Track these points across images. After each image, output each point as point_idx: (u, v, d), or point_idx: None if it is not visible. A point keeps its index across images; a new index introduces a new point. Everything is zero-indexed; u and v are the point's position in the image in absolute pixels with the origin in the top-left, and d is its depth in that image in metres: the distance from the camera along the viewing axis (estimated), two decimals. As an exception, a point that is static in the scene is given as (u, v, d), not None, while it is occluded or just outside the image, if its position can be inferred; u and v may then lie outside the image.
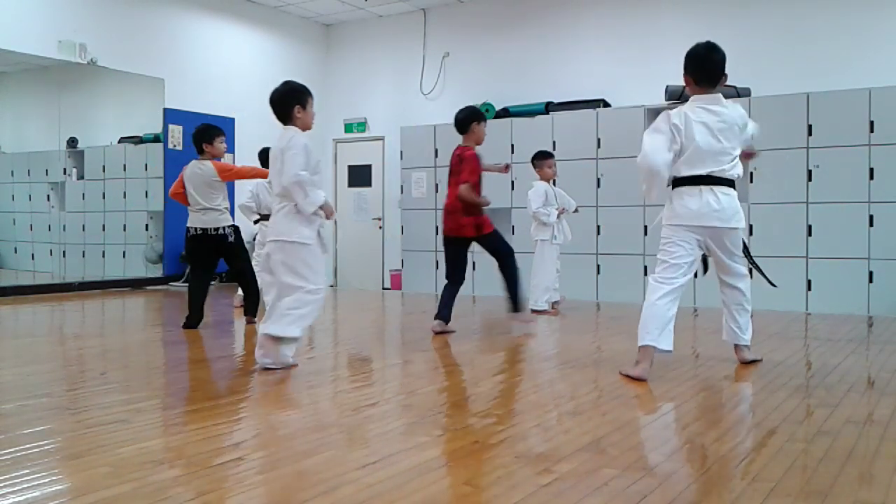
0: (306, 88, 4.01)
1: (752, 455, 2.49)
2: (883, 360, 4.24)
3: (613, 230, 8.06)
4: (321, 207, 3.87)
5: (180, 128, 9.06)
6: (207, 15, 9.60)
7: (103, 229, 9.17)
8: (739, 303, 3.92)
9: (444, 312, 5.19)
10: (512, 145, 8.55)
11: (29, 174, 9.08)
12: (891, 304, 6.74)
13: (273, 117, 4.01)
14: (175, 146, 9.05)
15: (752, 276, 4.00)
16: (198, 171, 5.39)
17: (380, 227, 10.53)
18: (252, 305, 5.74)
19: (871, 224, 6.89)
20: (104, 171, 9.31)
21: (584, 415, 2.99)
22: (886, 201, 6.82)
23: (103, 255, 9.13)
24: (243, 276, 5.71)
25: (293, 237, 3.81)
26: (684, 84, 3.78)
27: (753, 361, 4.05)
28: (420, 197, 9.40)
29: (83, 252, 9.10)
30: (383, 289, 9.98)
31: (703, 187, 3.65)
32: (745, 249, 3.90)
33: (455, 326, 5.34)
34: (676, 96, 7.56)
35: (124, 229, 9.25)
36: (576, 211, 6.68)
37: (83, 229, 9.14)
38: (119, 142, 9.36)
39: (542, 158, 6.44)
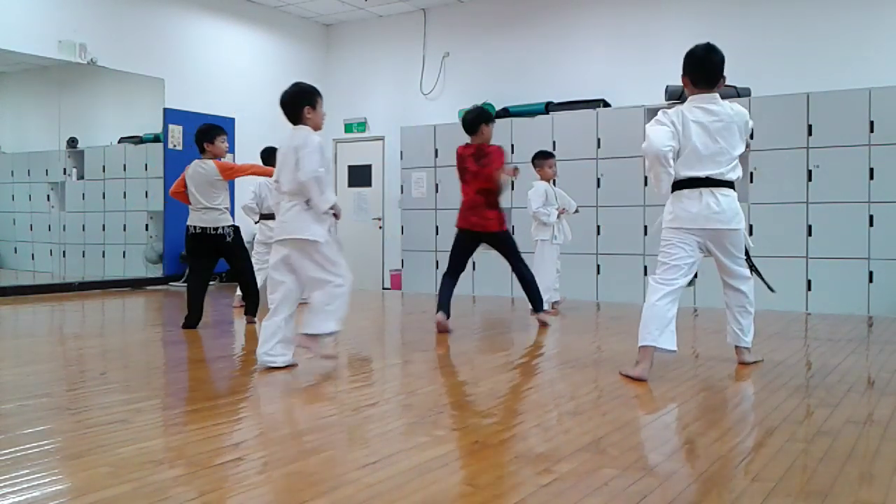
0: (315, 89, 4.07)
1: (753, 455, 2.49)
2: (883, 360, 4.24)
3: (613, 230, 8.06)
4: (331, 207, 3.91)
5: (180, 128, 9.06)
6: (207, 15, 9.60)
7: (103, 229, 9.17)
8: (742, 305, 3.91)
9: (447, 306, 5.26)
10: (512, 145, 8.55)
11: (29, 174, 9.08)
12: (891, 304, 6.74)
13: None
14: (175, 146, 9.05)
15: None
16: (200, 170, 5.39)
17: (380, 227, 10.53)
18: (252, 305, 5.74)
19: (871, 224, 6.89)
20: (104, 171, 9.31)
21: (584, 415, 2.99)
22: (886, 201, 6.82)
23: (103, 255, 9.13)
24: (243, 275, 5.71)
25: (305, 234, 3.85)
26: (682, 84, 3.78)
27: (754, 363, 4.05)
28: (420, 197, 9.40)
29: (83, 252, 9.10)
30: (383, 289, 9.98)
31: (702, 189, 3.64)
32: (747, 253, 3.89)
33: (455, 326, 5.35)
34: (676, 96, 7.56)
35: (124, 229, 9.25)
36: (576, 212, 6.68)
37: (83, 229, 9.14)
38: (119, 142, 9.36)
39: (542, 158, 6.44)
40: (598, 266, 8.14)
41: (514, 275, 5.54)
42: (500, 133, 8.51)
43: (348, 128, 10.70)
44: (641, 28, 8.60)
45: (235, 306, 6.65)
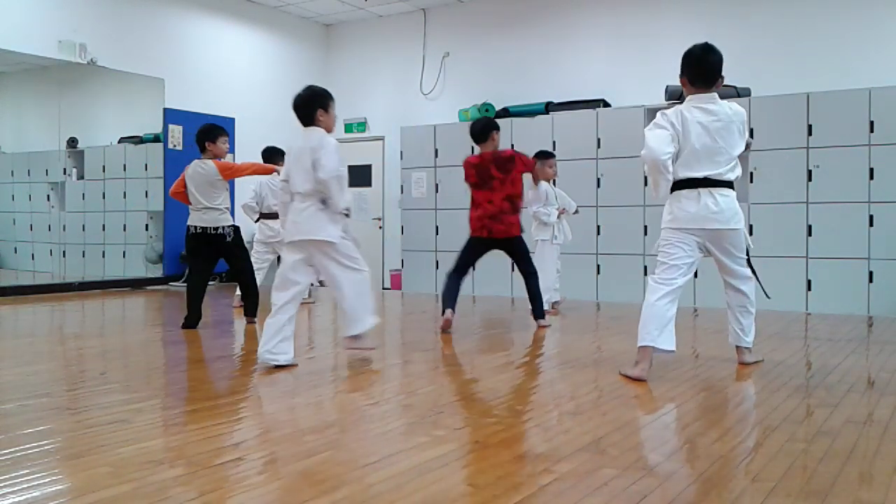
0: (328, 92, 4.14)
1: (753, 455, 2.49)
2: (883, 360, 4.24)
3: (613, 230, 8.06)
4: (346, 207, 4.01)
5: (180, 128, 9.06)
6: (207, 15, 9.60)
7: (103, 229, 9.17)
8: (743, 305, 3.91)
9: (454, 303, 5.30)
10: (512, 145, 8.54)
11: (29, 174, 9.08)
12: (891, 304, 6.75)
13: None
14: (175, 146, 9.05)
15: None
16: (200, 170, 5.39)
17: (380, 227, 10.53)
18: (252, 306, 5.74)
19: (871, 224, 6.89)
20: (104, 171, 9.31)
21: (584, 415, 2.99)
22: (886, 201, 6.82)
23: (103, 255, 9.13)
24: (242, 275, 5.71)
25: (321, 235, 3.91)
26: (681, 84, 3.77)
27: (754, 363, 4.04)
28: (420, 197, 9.40)
29: (83, 252, 9.10)
30: (383, 289, 9.98)
31: (701, 190, 3.64)
32: (747, 253, 3.88)
33: (455, 326, 5.35)
34: (677, 96, 7.56)
35: (124, 229, 9.25)
36: (576, 212, 6.69)
37: (83, 229, 9.14)
38: (119, 142, 9.36)
39: (542, 158, 6.43)
40: (598, 266, 8.14)
41: (518, 276, 5.56)
42: (500, 133, 8.52)
43: (348, 128, 10.70)
44: (641, 28, 8.60)
45: (235, 306, 6.65)
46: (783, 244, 7.15)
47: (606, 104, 8.49)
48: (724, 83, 3.79)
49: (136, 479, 2.20)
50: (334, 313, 6.84)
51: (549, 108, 8.69)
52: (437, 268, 9.13)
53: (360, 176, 10.74)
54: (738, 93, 7.37)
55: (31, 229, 9.03)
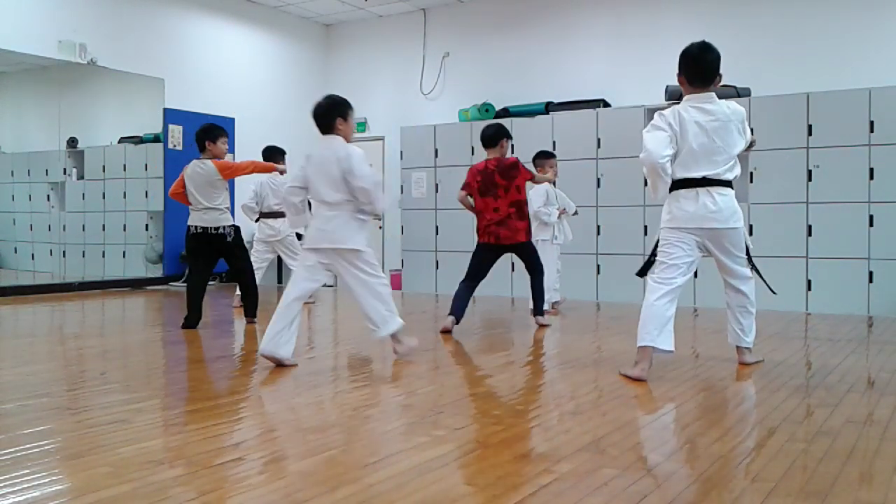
0: (347, 101, 4.21)
1: (753, 455, 2.49)
2: (883, 360, 4.24)
3: (613, 230, 8.06)
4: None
5: (180, 128, 9.06)
6: (207, 15, 9.60)
7: (103, 229, 9.17)
8: (743, 305, 3.90)
9: (462, 313, 5.33)
10: (512, 145, 8.52)
11: (29, 174, 9.08)
12: (891, 304, 6.75)
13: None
14: (175, 146, 9.05)
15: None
16: (199, 170, 5.39)
17: (380, 227, 10.53)
18: (252, 306, 5.74)
19: (871, 224, 6.89)
20: (104, 171, 9.31)
21: (584, 415, 2.99)
22: (886, 201, 6.82)
23: (103, 255, 9.13)
24: (242, 276, 5.71)
25: (351, 245, 4.00)
26: (679, 84, 3.77)
27: (754, 363, 4.04)
28: (420, 197, 9.40)
29: (83, 252, 9.10)
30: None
31: (699, 189, 3.63)
32: (748, 252, 3.88)
33: (455, 327, 5.34)
34: (677, 96, 7.53)
35: (124, 229, 9.25)
36: (575, 213, 6.69)
37: (83, 229, 9.14)
38: (119, 142, 9.36)
39: (543, 158, 6.44)
40: (598, 266, 8.14)
41: (518, 276, 5.60)
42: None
43: (348, 128, 10.69)
44: (641, 28, 8.60)
45: (235, 306, 6.65)
46: (783, 244, 7.15)
47: (606, 104, 8.49)
48: (724, 83, 3.79)
49: (136, 479, 2.20)
50: (334, 313, 6.85)
51: (549, 108, 8.69)
52: (437, 268, 9.13)
53: (360, 176, 10.73)
54: (738, 93, 7.37)
55: (31, 229, 9.03)
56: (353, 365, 4.30)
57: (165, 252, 9.05)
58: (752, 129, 3.89)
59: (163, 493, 2.09)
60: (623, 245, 7.98)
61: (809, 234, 7.12)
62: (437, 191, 9.24)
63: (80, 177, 9.12)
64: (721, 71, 3.71)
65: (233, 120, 9.32)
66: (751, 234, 7.18)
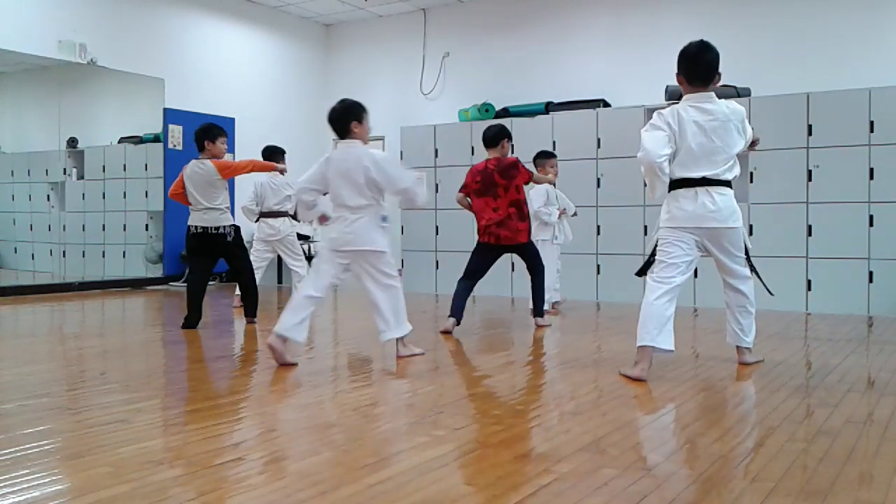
0: (361, 104, 4.23)
1: (752, 455, 2.49)
2: (883, 360, 4.24)
3: (613, 230, 8.06)
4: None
5: (180, 128, 9.06)
6: (207, 15, 9.60)
7: (103, 229, 9.17)
8: (742, 305, 3.90)
9: (461, 313, 5.33)
10: (512, 145, 8.53)
11: (29, 174, 9.08)
12: (891, 304, 6.74)
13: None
14: (175, 146, 9.05)
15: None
16: (198, 170, 5.39)
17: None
18: (251, 306, 5.74)
19: (871, 224, 6.89)
20: (104, 171, 9.31)
21: (584, 415, 2.99)
22: (886, 201, 6.82)
23: (103, 255, 9.13)
24: (242, 276, 5.71)
25: (374, 246, 4.08)
26: (678, 83, 3.77)
27: (755, 363, 4.04)
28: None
29: (83, 252, 9.10)
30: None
31: (698, 189, 3.63)
32: (747, 252, 3.87)
33: (455, 327, 5.35)
34: (677, 96, 7.48)
35: (124, 229, 9.25)
36: (574, 215, 6.70)
37: (83, 229, 9.14)
38: (119, 142, 9.36)
39: (544, 158, 6.44)
40: (598, 266, 8.14)
41: (518, 276, 5.61)
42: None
43: (348, 128, 10.69)
44: (641, 28, 8.60)
45: (235, 306, 6.65)
46: (783, 244, 7.15)
47: (606, 104, 8.48)
48: (724, 83, 3.78)
49: (136, 479, 2.20)
50: (334, 313, 6.85)
51: (549, 108, 8.69)
52: (437, 268, 9.13)
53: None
54: (738, 93, 7.37)
55: (31, 229, 9.03)
56: (353, 365, 4.31)
57: (165, 252, 9.05)
58: (752, 128, 3.89)
59: (162, 493, 2.09)
60: (623, 245, 7.98)
61: (809, 234, 7.12)
62: (437, 191, 9.23)
63: (80, 177, 9.12)
64: (720, 70, 3.71)
65: (233, 120, 9.33)
66: (751, 234, 7.19)
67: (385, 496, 2.07)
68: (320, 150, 10.51)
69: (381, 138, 10.55)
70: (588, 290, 8.10)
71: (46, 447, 2.55)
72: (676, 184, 3.67)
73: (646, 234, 7.81)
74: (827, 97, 7.10)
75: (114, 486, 2.13)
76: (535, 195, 6.31)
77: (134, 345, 5.02)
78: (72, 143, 8.94)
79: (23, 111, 9.23)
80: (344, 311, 7.21)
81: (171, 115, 9.02)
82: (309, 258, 8.77)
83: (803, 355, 4.44)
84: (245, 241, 5.86)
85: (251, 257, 6.11)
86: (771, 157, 7.17)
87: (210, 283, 6.90)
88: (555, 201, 6.40)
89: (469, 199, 5.48)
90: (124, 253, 9.23)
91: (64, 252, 8.94)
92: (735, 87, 7.35)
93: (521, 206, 5.33)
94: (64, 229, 9.03)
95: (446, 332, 5.23)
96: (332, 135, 4.26)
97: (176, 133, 9.07)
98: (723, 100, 3.71)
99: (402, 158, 9.62)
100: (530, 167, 6.56)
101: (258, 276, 6.45)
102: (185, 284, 5.87)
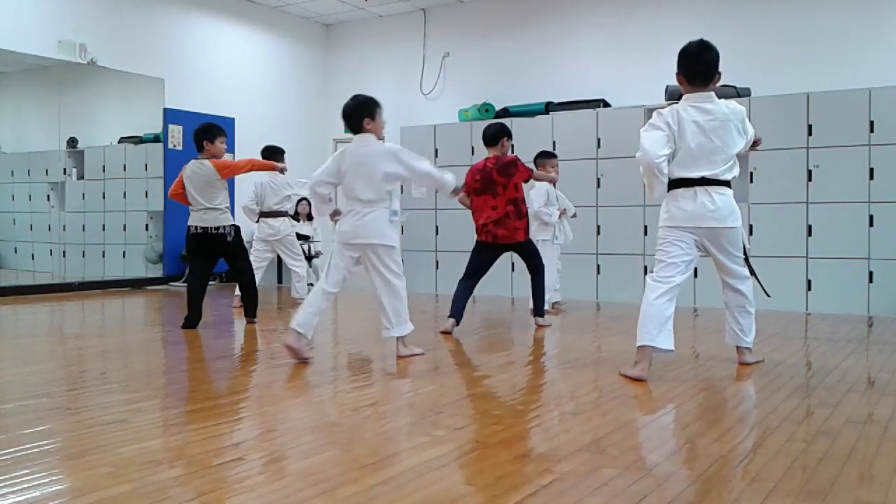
0: (374, 100, 4.31)
1: (752, 455, 2.49)
2: (883, 360, 4.24)
3: (613, 230, 8.06)
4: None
5: (180, 128, 9.06)
6: (207, 15, 9.60)
7: (103, 229, 9.17)
8: (741, 305, 3.90)
9: (461, 314, 5.33)
10: (512, 145, 8.52)
11: (29, 174, 9.08)
12: (891, 304, 6.74)
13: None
14: (175, 146, 9.05)
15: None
16: (197, 170, 5.39)
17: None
18: (251, 306, 5.74)
19: (871, 224, 6.89)
20: (104, 171, 9.31)
21: (584, 415, 2.99)
22: (886, 201, 6.82)
23: (103, 255, 9.13)
24: (242, 276, 5.71)
25: (385, 241, 4.16)
26: (678, 83, 3.77)
27: (755, 363, 4.04)
28: (420, 197, 9.39)
29: (83, 252, 9.10)
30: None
31: (697, 188, 3.63)
32: (745, 253, 3.87)
33: (455, 327, 5.35)
34: (677, 96, 7.47)
35: (124, 229, 9.25)
36: (574, 216, 6.70)
37: (83, 229, 9.14)
38: (119, 142, 9.36)
39: (545, 158, 6.44)
40: (598, 266, 8.14)
41: (518, 276, 5.61)
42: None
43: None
44: (641, 28, 8.60)
45: (235, 306, 6.65)
46: (783, 244, 7.15)
47: (606, 104, 8.48)
48: (724, 83, 3.78)
49: (136, 479, 2.20)
50: (334, 313, 6.84)
51: (549, 108, 8.69)
52: (437, 268, 9.13)
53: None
54: (738, 93, 7.37)
55: (31, 229, 9.03)
56: (353, 365, 4.31)
57: (165, 252, 9.05)
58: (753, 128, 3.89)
59: (162, 493, 2.09)
60: (623, 245, 7.98)
61: (809, 234, 7.12)
62: (437, 191, 9.22)
63: (80, 177, 9.12)
64: (720, 70, 3.71)
65: (233, 120, 9.33)
66: (751, 234, 7.19)
67: (385, 496, 2.07)
68: (320, 150, 10.52)
69: (382, 138, 10.53)
70: (588, 290, 8.10)
71: (46, 447, 2.55)
72: (675, 183, 3.67)
73: (646, 234, 7.81)
74: (827, 97, 7.10)
75: (114, 486, 2.13)
76: (536, 195, 6.31)
77: (134, 345, 5.02)
78: (72, 143, 8.94)
79: (23, 111, 9.23)
80: (344, 311, 7.21)
81: (171, 115, 9.03)
82: (309, 258, 8.78)
83: (803, 355, 4.44)
84: (245, 241, 5.86)
85: (251, 257, 6.11)
86: (771, 157, 7.17)
87: (210, 283, 6.90)
88: (555, 201, 6.40)
89: (469, 199, 5.48)
90: (124, 253, 9.23)
91: (64, 252, 8.94)
92: (735, 87, 7.36)
93: (518, 205, 5.33)
94: (64, 229, 9.03)
95: (446, 333, 5.23)
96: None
97: (176, 133, 9.07)
98: (723, 100, 3.70)
99: (402, 158, 9.62)
100: (531, 166, 6.57)
101: (258, 276, 6.45)
102: (185, 284, 5.87)
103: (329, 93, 10.89)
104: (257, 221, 6.98)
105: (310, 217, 9.29)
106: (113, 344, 5.07)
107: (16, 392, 3.46)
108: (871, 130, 6.88)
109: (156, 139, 9.09)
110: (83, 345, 5.00)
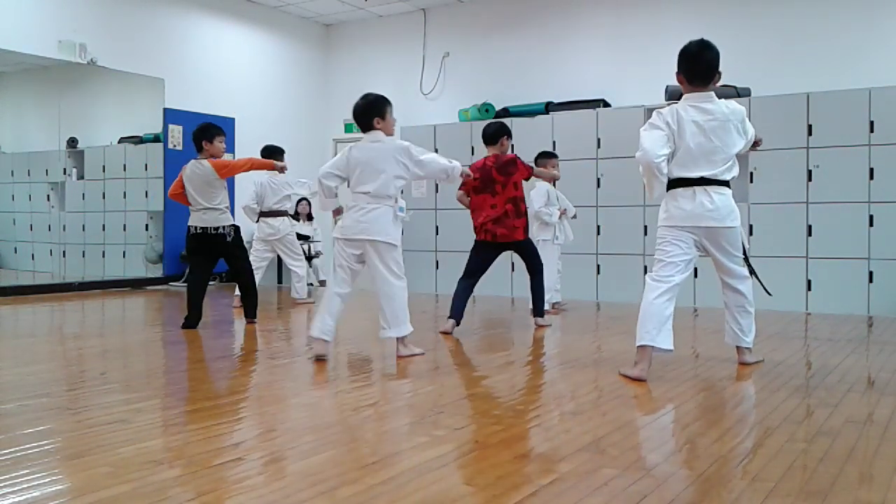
0: (385, 99, 4.30)
1: (752, 455, 2.49)
2: (883, 360, 4.24)
3: (613, 230, 8.06)
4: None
5: (180, 128, 9.06)
6: (207, 15, 9.60)
7: (103, 229, 9.17)
8: (741, 305, 3.90)
9: (461, 314, 5.33)
10: (512, 145, 8.52)
11: (29, 174, 9.08)
12: (891, 304, 6.74)
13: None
14: (175, 146, 9.05)
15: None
16: (197, 170, 5.39)
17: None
18: (251, 306, 5.74)
19: (871, 224, 6.89)
20: (104, 171, 9.31)
21: (584, 415, 2.99)
22: (886, 201, 6.82)
23: (103, 255, 9.13)
24: (242, 276, 5.71)
25: (387, 238, 4.16)
26: (678, 83, 3.76)
27: (755, 363, 4.04)
28: (420, 197, 9.40)
29: (83, 252, 9.10)
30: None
31: (696, 188, 3.63)
32: (745, 253, 3.87)
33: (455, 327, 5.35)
34: (677, 96, 7.47)
35: (124, 229, 9.24)
36: (574, 217, 6.70)
37: (83, 229, 9.14)
38: (119, 142, 9.35)
39: (545, 158, 6.44)
40: (598, 266, 8.14)
41: (518, 276, 5.61)
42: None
43: (348, 128, 10.69)
44: (641, 28, 8.60)
45: (235, 307, 6.65)
46: (783, 244, 7.15)
47: (606, 104, 8.48)
48: (724, 83, 3.78)
49: (136, 479, 2.20)
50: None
51: (549, 108, 8.69)
52: (437, 268, 9.13)
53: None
54: (738, 93, 7.37)
55: (31, 229, 9.02)
56: (353, 365, 4.31)
57: (165, 252, 9.05)
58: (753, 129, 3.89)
59: (162, 493, 2.09)
60: (623, 245, 7.98)
61: (809, 234, 7.12)
62: (437, 191, 9.24)
63: (80, 177, 9.12)
64: (720, 70, 3.71)
65: (233, 120, 9.33)
66: (751, 234, 7.19)
67: (385, 496, 2.07)
68: (320, 150, 10.53)
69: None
70: (588, 290, 8.10)
71: (46, 447, 2.55)
72: (675, 183, 3.67)
73: (646, 233, 7.81)
74: (827, 97, 7.10)
75: (114, 486, 2.13)
76: (536, 195, 6.31)
77: (134, 345, 5.02)
78: (72, 143, 8.94)
79: (23, 111, 9.23)
80: (344, 310, 7.20)
81: (171, 115, 9.02)
82: (309, 258, 8.78)
83: (803, 355, 4.44)
84: (245, 241, 5.85)
85: (251, 257, 6.11)
86: (771, 157, 7.17)
87: (210, 283, 6.89)
88: (555, 201, 6.40)
89: (469, 197, 5.48)
90: (124, 253, 9.23)
91: (64, 252, 8.94)
92: (735, 87, 7.36)
93: (517, 203, 5.32)
94: (64, 229, 9.03)
95: (445, 333, 5.23)
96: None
97: (176, 133, 9.07)
98: (723, 100, 3.70)
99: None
100: (530, 164, 6.57)
101: (258, 276, 6.44)
102: (185, 284, 5.87)
103: (329, 93, 10.89)
104: (257, 221, 6.98)
105: (310, 217, 9.31)
106: (113, 344, 5.07)
107: (16, 392, 3.46)
108: (871, 130, 6.88)
109: (156, 139, 9.09)
110: (83, 345, 5.00)
